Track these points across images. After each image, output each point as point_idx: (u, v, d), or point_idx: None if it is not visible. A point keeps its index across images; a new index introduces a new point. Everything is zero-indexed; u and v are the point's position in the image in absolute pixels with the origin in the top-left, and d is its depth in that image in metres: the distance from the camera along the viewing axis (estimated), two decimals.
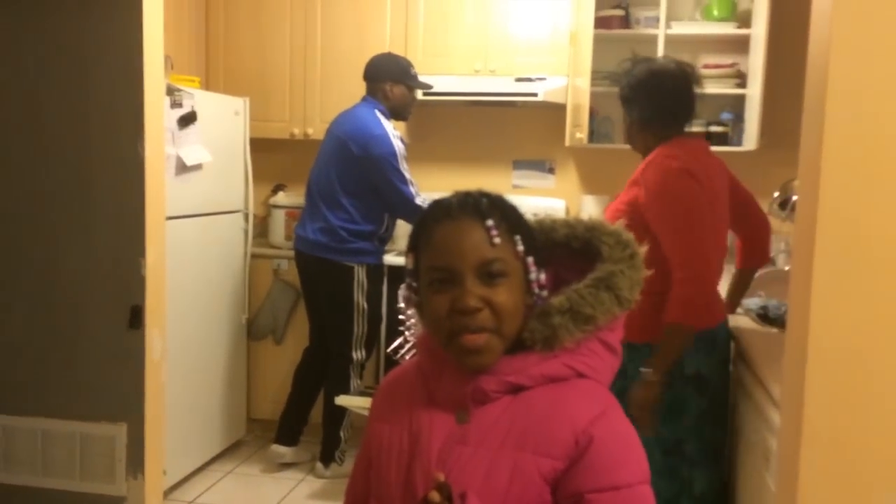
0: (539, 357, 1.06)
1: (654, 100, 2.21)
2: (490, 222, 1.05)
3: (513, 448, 1.02)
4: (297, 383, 3.53)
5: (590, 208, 3.97)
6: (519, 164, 4.16)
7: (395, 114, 3.40)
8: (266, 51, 4.01)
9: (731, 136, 3.71)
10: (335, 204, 3.31)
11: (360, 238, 3.32)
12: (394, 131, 3.31)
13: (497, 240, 1.04)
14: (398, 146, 3.28)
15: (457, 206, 1.08)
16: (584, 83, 3.65)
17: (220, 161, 3.44)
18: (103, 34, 2.73)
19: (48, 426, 2.85)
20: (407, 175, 3.28)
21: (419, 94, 3.60)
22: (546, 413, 1.03)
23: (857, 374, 1.19)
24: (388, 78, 3.37)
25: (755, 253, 2.41)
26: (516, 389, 1.05)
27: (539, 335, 1.06)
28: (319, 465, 3.42)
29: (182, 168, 3.15)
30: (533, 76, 3.72)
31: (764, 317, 2.33)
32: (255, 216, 3.86)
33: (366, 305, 3.36)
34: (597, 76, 3.64)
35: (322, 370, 3.48)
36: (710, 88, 3.63)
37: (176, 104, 3.08)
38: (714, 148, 3.49)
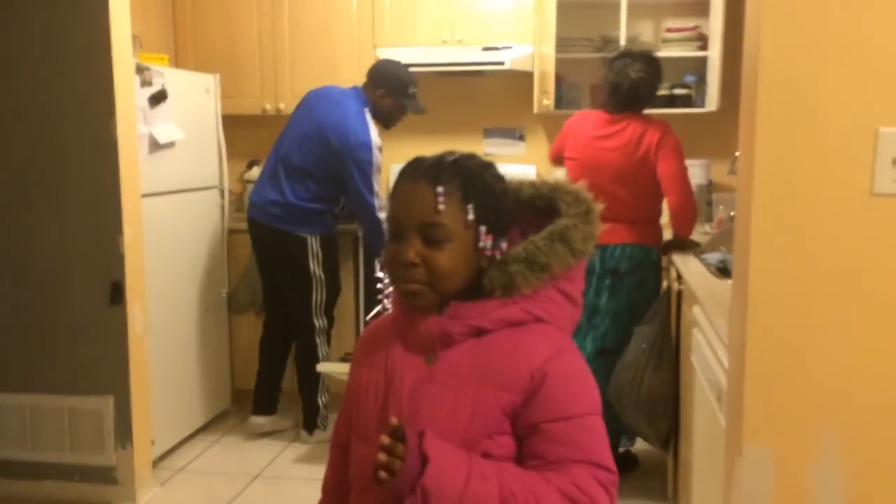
0: (499, 303, 1.14)
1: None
2: (440, 189, 1.12)
3: (475, 384, 1.11)
4: (263, 354, 3.60)
5: (560, 174, 4.06)
6: (490, 133, 4.23)
7: (379, 119, 3.36)
8: (234, 27, 4.02)
9: (694, 98, 3.79)
10: (297, 180, 3.32)
11: (314, 213, 3.36)
12: (377, 139, 3.28)
13: (441, 206, 1.12)
14: (376, 157, 3.25)
15: (419, 168, 1.15)
16: (549, 50, 3.71)
17: (193, 138, 3.48)
18: (69, 15, 2.76)
19: (36, 401, 2.92)
20: (376, 187, 3.25)
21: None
22: (506, 353, 1.12)
23: (793, 315, 1.28)
24: (384, 86, 3.31)
25: (673, 223, 2.97)
26: (479, 332, 1.14)
27: (498, 282, 1.15)
28: (304, 432, 3.52)
29: (155, 146, 3.18)
30: (499, 45, 3.78)
31: (723, 270, 2.43)
32: (231, 192, 3.91)
33: (322, 275, 3.40)
34: (562, 43, 3.70)
35: (284, 337, 3.56)
36: (674, 52, 3.73)
37: (146, 83, 3.11)
38: (678, 110, 3.64)
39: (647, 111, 3.03)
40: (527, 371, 1.10)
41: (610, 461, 1.11)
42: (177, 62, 4.01)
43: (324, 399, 3.49)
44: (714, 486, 1.84)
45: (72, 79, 2.78)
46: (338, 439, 1.33)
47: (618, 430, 3.04)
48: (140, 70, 3.06)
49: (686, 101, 3.78)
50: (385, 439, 1.04)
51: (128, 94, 2.86)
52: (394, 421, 1.07)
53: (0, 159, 2.88)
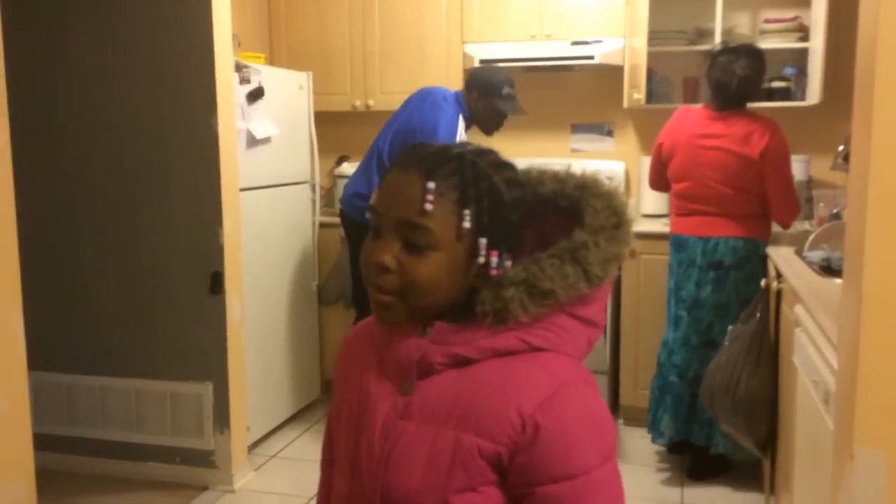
0: (489, 330, 0.94)
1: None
2: (430, 185, 0.92)
3: (455, 426, 0.92)
4: None
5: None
6: (577, 128, 4.19)
7: (478, 125, 3.29)
8: (326, 25, 4.11)
9: (793, 91, 3.66)
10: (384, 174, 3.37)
11: None
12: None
13: (428, 206, 0.91)
14: None
15: (415, 156, 0.96)
16: (640, 43, 3.65)
17: (286, 134, 3.58)
18: (175, 16, 2.88)
19: (141, 386, 3.07)
20: None
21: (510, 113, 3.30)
22: (492, 391, 0.92)
23: None
24: (476, 88, 3.23)
25: (775, 220, 3.06)
26: (463, 362, 0.95)
27: (489, 307, 0.94)
28: None
29: (252, 141, 3.29)
30: (589, 39, 3.73)
31: (827, 268, 2.34)
32: (321, 187, 4.00)
33: None
34: (654, 36, 3.63)
35: None
36: (772, 43, 3.61)
37: (244, 80, 3.22)
38: (776, 104, 3.52)
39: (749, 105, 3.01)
40: (516, 417, 0.89)
41: None
42: (271, 60, 4.13)
43: None
44: (818, 490, 1.77)
45: (176, 77, 2.91)
46: (328, 454, 1.15)
47: (710, 431, 2.98)
48: (239, 68, 3.17)
49: (785, 95, 3.65)
50: None
51: (228, 90, 2.97)
52: None
53: (109, 155, 3.03)
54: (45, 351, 3.00)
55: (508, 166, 0.99)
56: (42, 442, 1.88)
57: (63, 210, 3.09)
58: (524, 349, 0.93)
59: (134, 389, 3.08)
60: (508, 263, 0.96)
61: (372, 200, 0.99)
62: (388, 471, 0.94)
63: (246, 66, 3.24)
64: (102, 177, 3.04)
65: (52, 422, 3.13)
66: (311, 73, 3.84)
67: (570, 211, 1.00)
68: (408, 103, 3.43)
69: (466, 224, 0.93)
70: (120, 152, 3.01)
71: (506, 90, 3.23)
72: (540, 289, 0.93)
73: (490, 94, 3.22)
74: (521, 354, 0.93)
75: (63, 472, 3.09)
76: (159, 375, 3.05)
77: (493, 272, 0.95)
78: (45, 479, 1.90)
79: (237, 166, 3.04)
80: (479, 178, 0.94)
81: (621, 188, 4.02)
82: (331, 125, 4.20)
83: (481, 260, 0.94)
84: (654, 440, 3.17)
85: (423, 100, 3.36)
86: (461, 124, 3.24)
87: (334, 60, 4.12)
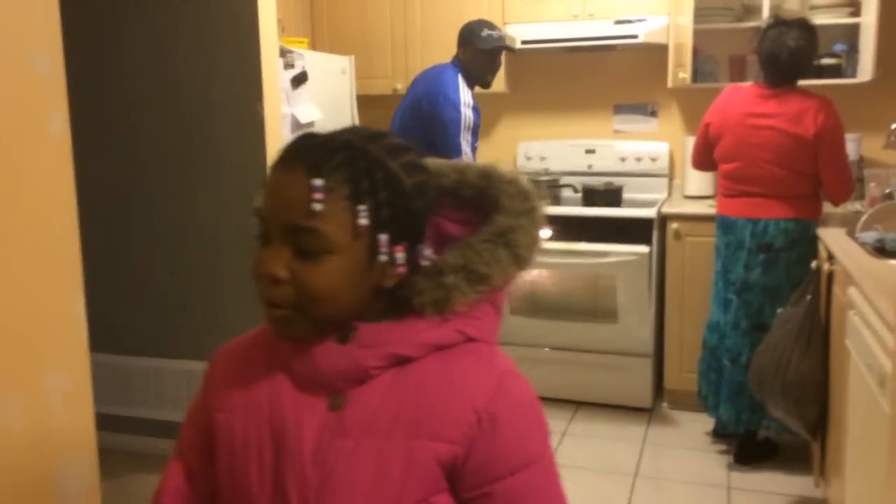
0: (428, 323, 0.90)
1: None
2: (317, 182, 0.83)
3: (404, 434, 0.86)
4: None
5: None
6: (620, 109, 4.14)
7: (473, 79, 3.33)
8: (367, 9, 4.12)
9: (844, 67, 3.57)
10: None
11: None
12: (468, 99, 3.27)
13: (317, 206, 0.83)
14: (465, 115, 3.24)
15: (299, 150, 0.87)
16: (686, 21, 3.58)
17: (330, 118, 3.60)
18: (221, 2, 2.90)
19: (193, 367, 3.13)
20: (464, 146, 3.22)
21: (502, 57, 3.40)
22: (439, 390, 0.88)
23: None
24: (460, 42, 3.35)
25: (829, 200, 2.98)
26: (401, 362, 0.89)
27: (429, 297, 0.90)
28: None
29: (297, 126, 3.32)
30: (633, 17, 3.68)
31: (881, 249, 2.30)
32: None
33: None
34: (700, 13, 3.56)
35: None
36: (822, 19, 3.52)
37: (288, 65, 3.24)
38: (826, 81, 3.44)
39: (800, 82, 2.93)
40: (471, 413, 0.86)
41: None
42: (314, 44, 4.16)
43: None
44: (872, 473, 1.75)
45: (223, 62, 2.94)
46: (183, 445, 1.05)
47: (758, 415, 2.95)
48: (283, 53, 3.20)
49: (835, 72, 3.56)
50: None
51: (273, 75, 3.00)
52: None
53: (159, 142, 3.09)
54: (100, 333, 3.07)
55: (406, 149, 0.91)
56: (99, 421, 1.93)
57: (115, 197, 3.15)
58: (460, 341, 0.91)
59: (186, 371, 3.15)
60: (428, 252, 0.92)
61: (256, 203, 0.89)
62: (325, 498, 0.87)
63: (290, 51, 3.27)
64: (152, 164, 3.10)
65: (108, 402, 3.21)
66: (352, 56, 3.86)
67: (473, 201, 0.97)
68: (410, 89, 3.50)
69: (363, 221, 0.85)
70: (169, 139, 3.07)
71: (485, 32, 3.30)
72: (477, 273, 0.90)
73: (472, 41, 3.30)
74: (456, 347, 0.91)
75: (119, 450, 3.18)
76: (209, 357, 3.11)
77: (400, 270, 0.89)
78: (102, 458, 1.95)
79: None
80: (373, 168, 0.86)
81: (670, 167, 3.97)
82: (373, 109, 4.22)
83: (383, 258, 0.87)
84: (716, 427, 3.22)
85: (424, 75, 3.45)
86: (462, 82, 3.29)
87: (376, 44, 4.13)
